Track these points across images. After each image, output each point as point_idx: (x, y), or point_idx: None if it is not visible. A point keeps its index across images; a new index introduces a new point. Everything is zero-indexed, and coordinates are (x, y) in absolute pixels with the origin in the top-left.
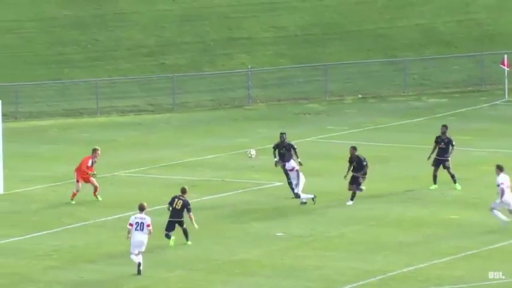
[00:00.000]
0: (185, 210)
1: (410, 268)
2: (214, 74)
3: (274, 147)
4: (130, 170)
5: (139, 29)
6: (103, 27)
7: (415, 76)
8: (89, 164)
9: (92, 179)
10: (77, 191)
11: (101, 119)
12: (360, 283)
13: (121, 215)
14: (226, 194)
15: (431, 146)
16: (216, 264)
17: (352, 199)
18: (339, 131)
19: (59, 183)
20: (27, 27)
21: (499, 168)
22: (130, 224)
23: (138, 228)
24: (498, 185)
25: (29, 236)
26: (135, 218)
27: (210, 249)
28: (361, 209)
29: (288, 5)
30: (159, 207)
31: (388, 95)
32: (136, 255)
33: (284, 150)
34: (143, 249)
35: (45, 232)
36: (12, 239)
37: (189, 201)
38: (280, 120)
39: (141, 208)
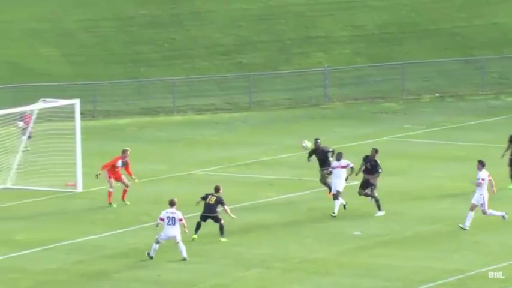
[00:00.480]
0: (219, 205)
1: (488, 268)
2: (290, 73)
3: (310, 154)
4: (207, 169)
5: (215, 28)
6: (179, 26)
7: (494, 75)
8: (118, 164)
9: (123, 177)
10: (112, 187)
11: (178, 117)
12: (438, 283)
13: (197, 214)
14: (303, 192)
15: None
16: (293, 262)
17: (379, 209)
18: (416, 130)
19: (136, 181)
20: (104, 27)
21: (482, 164)
22: (161, 219)
23: (170, 222)
24: (478, 180)
25: (107, 234)
26: (166, 212)
27: (287, 247)
28: (439, 208)
29: (365, 4)
30: (237, 205)
31: (465, 94)
32: (178, 242)
33: (320, 156)
34: (178, 239)
35: (123, 230)
36: (91, 237)
37: (223, 199)
38: (356, 119)
39: (172, 203)
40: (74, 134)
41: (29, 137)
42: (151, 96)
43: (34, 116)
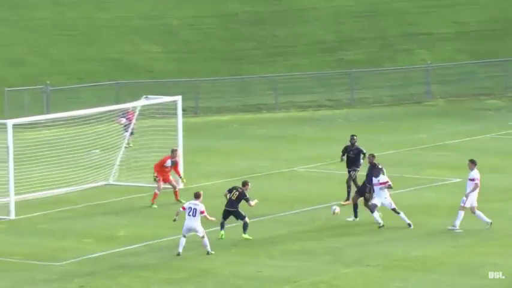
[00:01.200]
0: (242, 200)
1: None
2: (393, 70)
3: (343, 151)
4: (309, 166)
5: (318, 25)
6: (282, 23)
7: None
8: (168, 164)
9: (171, 179)
10: (159, 189)
11: (280, 114)
12: None
13: (298, 211)
14: (405, 190)
15: None
16: (394, 260)
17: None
18: None
19: (237, 178)
20: (207, 24)
21: (473, 163)
22: (183, 208)
23: (191, 213)
24: (473, 180)
25: (210, 230)
26: (189, 203)
27: (388, 245)
28: None
29: (469, 1)
30: (338, 202)
31: None
32: (202, 237)
33: (352, 154)
34: (200, 234)
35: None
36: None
37: (247, 194)
38: (459, 117)
39: (197, 196)
40: (176, 130)
41: (132, 133)
42: (254, 93)
43: (137, 113)
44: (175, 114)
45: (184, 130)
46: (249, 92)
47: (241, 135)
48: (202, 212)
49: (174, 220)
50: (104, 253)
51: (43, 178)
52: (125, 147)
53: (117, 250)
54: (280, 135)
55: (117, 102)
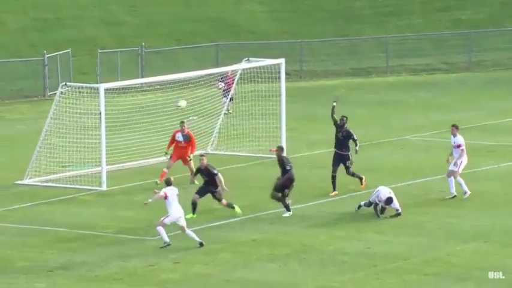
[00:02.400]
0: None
1: None
2: None
3: (334, 123)
4: (422, 134)
5: None
6: None
7: None
8: (179, 138)
9: (190, 163)
10: (168, 167)
11: (390, 78)
12: None
13: (410, 182)
14: None
15: None
16: None
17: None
18: None
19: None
20: None
21: (457, 128)
22: (165, 194)
23: (177, 200)
24: (459, 146)
25: (312, 203)
26: (171, 190)
27: (508, 220)
28: None
29: None
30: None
31: None
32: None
33: (341, 136)
34: (184, 223)
35: (329, 199)
36: (295, 206)
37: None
38: None
39: (168, 183)
40: (278, 96)
41: (231, 99)
42: (363, 56)
43: (237, 77)
44: (278, 78)
45: (287, 95)
46: (357, 54)
47: (348, 100)
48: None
49: (146, 204)
50: (201, 227)
51: (137, 146)
52: (224, 114)
53: (215, 224)
54: (390, 101)
55: (217, 65)
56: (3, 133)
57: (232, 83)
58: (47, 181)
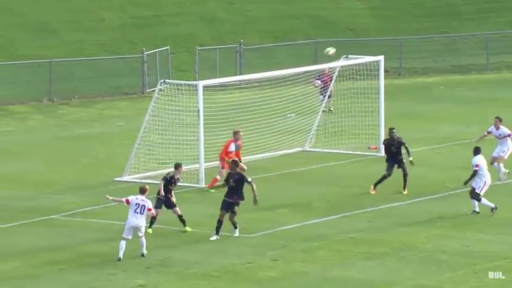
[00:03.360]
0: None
1: None
2: None
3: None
4: None
5: None
6: None
7: None
8: (232, 149)
9: (241, 165)
10: (219, 177)
11: (491, 75)
12: None
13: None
14: None
15: None
16: None
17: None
18: None
19: (443, 145)
20: None
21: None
22: (127, 201)
23: (138, 210)
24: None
25: (411, 201)
26: (136, 198)
27: None
28: None
29: None
30: None
31: None
32: (141, 237)
33: (394, 149)
34: (142, 233)
35: (428, 197)
36: (394, 204)
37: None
38: None
39: (143, 191)
40: (377, 93)
41: (329, 96)
42: (463, 53)
43: (336, 74)
44: (377, 75)
45: (386, 93)
46: (457, 51)
47: (448, 98)
48: (149, 209)
49: (108, 198)
50: (299, 224)
51: None
52: (323, 111)
53: (314, 221)
54: (491, 98)
55: (315, 62)
56: (103, 130)
57: (330, 81)
58: (145, 178)
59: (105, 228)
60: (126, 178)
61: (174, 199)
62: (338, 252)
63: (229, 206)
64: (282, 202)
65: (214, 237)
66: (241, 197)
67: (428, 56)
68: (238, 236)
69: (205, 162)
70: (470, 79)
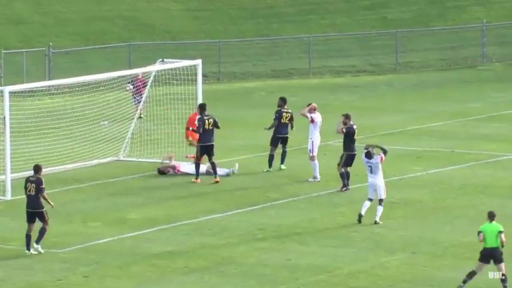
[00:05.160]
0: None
1: None
2: (443, 30)
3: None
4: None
5: None
6: None
7: None
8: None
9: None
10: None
11: (313, 80)
12: None
13: (333, 190)
14: (456, 166)
15: None
16: (443, 247)
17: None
18: None
19: (265, 153)
20: None
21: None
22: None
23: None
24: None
25: (231, 212)
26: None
27: (437, 230)
28: None
29: None
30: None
31: None
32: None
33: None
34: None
35: (249, 208)
36: (213, 216)
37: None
38: None
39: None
40: (195, 99)
41: (139, 102)
42: (284, 57)
43: (151, 79)
44: (195, 80)
45: (205, 98)
46: (279, 55)
47: (269, 104)
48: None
49: None
50: (113, 238)
51: (44, 153)
52: (137, 119)
53: (129, 235)
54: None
55: (130, 66)
56: None
57: (143, 87)
58: None
59: None
60: None
61: None
62: (154, 267)
63: None
64: (95, 215)
65: (29, 252)
66: None
67: (248, 59)
68: (47, 252)
69: (12, 172)
70: (291, 84)
